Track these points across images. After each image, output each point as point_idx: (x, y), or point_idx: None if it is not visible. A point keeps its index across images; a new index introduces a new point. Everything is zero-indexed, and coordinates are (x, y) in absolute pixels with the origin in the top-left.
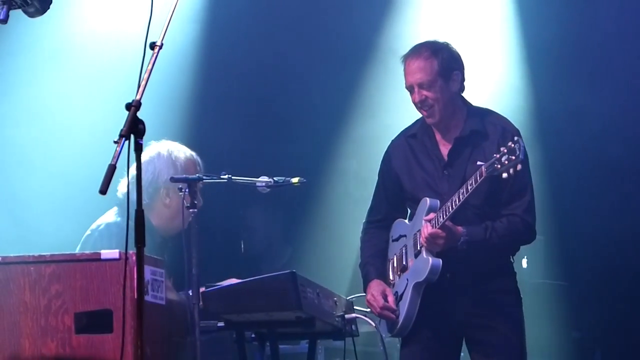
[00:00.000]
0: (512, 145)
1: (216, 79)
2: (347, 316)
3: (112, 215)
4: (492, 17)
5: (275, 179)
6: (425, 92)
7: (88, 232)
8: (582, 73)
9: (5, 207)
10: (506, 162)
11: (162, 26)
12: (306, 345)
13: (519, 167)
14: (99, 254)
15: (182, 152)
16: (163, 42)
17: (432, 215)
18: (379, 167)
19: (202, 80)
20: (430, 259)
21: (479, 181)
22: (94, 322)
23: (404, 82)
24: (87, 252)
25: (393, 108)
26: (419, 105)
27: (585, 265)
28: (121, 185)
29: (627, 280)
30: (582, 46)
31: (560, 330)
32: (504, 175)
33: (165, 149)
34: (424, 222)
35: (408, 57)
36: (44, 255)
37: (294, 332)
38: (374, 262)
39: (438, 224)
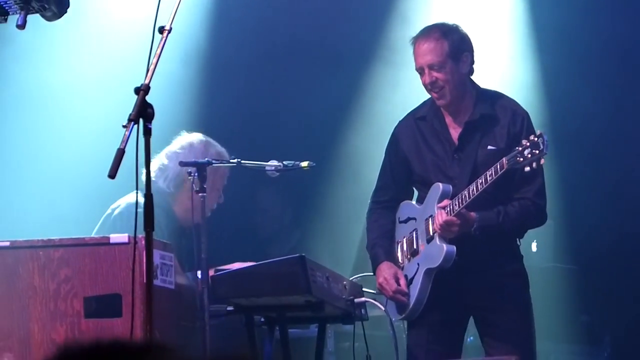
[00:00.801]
0: (536, 139)
1: (225, 62)
2: (356, 300)
3: (134, 196)
4: (501, 10)
5: (284, 162)
6: (435, 74)
7: (109, 210)
8: (593, 63)
9: (23, 191)
10: (529, 155)
11: (171, 10)
12: (315, 329)
13: (542, 161)
14: (108, 238)
15: (214, 146)
16: (172, 26)
17: (446, 202)
18: (386, 147)
19: (211, 65)
20: (444, 245)
21: (499, 173)
22: (103, 306)
23: (413, 64)
24: (105, 230)
25: (401, 88)
26: (430, 87)
27: (595, 249)
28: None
29: (637, 264)
30: (593, 36)
31: (570, 314)
32: (527, 168)
33: (198, 141)
34: (437, 209)
35: (418, 39)
36: (52, 240)
37: (303, 316)
38: (383, 243)
39: (453, 212)
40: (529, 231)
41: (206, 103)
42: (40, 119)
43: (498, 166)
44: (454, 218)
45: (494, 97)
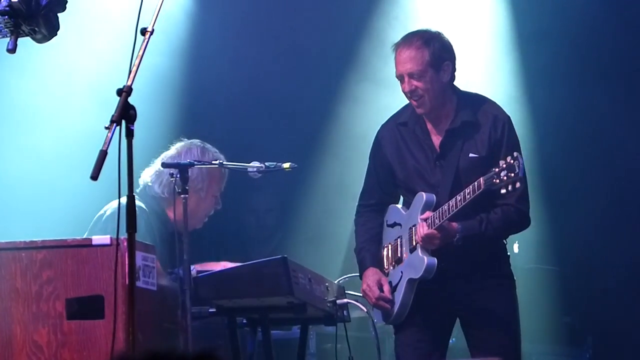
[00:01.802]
0: (512, 161)
1: (208, 64)
2: (338, 301)
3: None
4: (483, 8)
5: (266, 164)
6: (415, 82)
7: (101, 212)
8: (575, 63)
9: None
10: (505, 178)
11: (153, 12)
12: (298, 330)
13: (517, 184)
14: (90, 239)
15: (211, 151)
16: (154, 27)
17: (427, 214)
18: (370, 152)
19: (194, 66)
20: (425, 258)
21: (477, 192)
22: (86, 308)
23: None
24: (97, 231)
25: (385, 92)
26: (409, 95)
27: (577, 251)
28: (144, 174)
29: (619, 266)
30: (574, 34)
31: (552, 315)
32: (502, 190)
33: (195, 146)
34: (419, 220)
35: (399, 46)
36: (35, 241)
37: (285, 317)
38: (369, 247)
39: (434, 225)
40: None
41: (189, 105)
42: (23, 121)
43: (475, 185)
44: (435, 232)
45: (476, 102)
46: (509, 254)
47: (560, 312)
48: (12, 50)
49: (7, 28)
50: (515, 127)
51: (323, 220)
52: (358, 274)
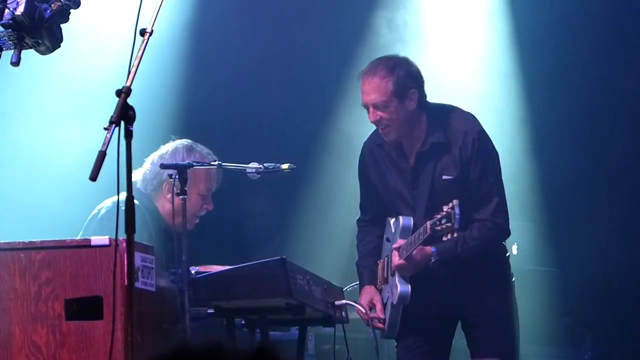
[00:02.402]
0: (450, 210)
1: (207, 64)
2: (337, 303)
3: (122, 196)
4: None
5: (265, 165)
6: (380, 113)
7: (95, 211)
8: (574, 62)
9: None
10: (444, 226)
11: (152, 12)
12: (296, 332)
13: (455, 234)
14: (89, 240)
15: (198, 150)
16: (153, 28)
17: (400, 242)
18: (357, 168)
19: (193, 67)
20: (399, 286)
21: (425, 236)
22: (84, 308)
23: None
24: (91, 230)
25: None
26: (375, 124)
27: (575, 252)
28: (135, 173)
29: (617, 267)
30: (574, 32)
31: (551, 316)
32: (444, 238)
33: (182, 145)
34: (393, 249)
35: (364, 75)
36: (33, 242)
37: (284, 318)
38: (366, 264)
39: (403, 255)
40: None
41: (187, 106)
42: (22, 120)
43: (422, 230)
44: (404, 262)
45: (446, 119)
46: (508, 254)
47: (560, 313)
48: (15, 63)
49: (10, 41)
50: (513, 128)
51: (323, 223)
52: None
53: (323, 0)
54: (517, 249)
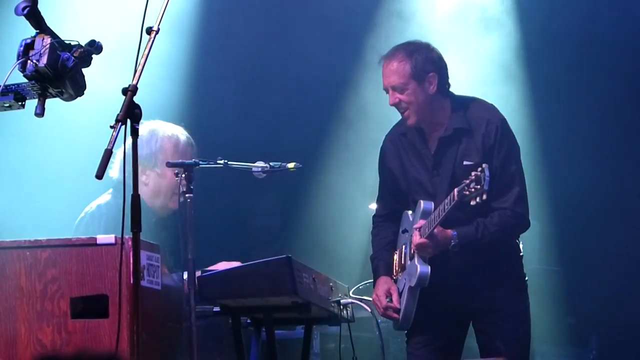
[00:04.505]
0: (479, 173)
1: (213, 62)
2: (342, 301)
3: (105, 197)
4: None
5: (271, 164)
6: (398, 95)
7: (82, 214)
8: (582, 64)
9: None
10: (472, 189)
11: (159, 11)
12: (302, 330)
13: (484, 196)
14: (95, 238)
15: (164, 130)
16: (159, 27)
17: (421, 222)
18: (378, 162)
19: (199, 65)
20: (419, 266)
21: (451, 204)
22: (90, 307)
23: None
24: (80, 234)
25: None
26: (395, 107)
27: (580, 251)
28: (112, 170)
29: (622, 266)
30: (580, 30)
31: (556, 316)
32: (472, 202)
33: (147, 129)
34: (414, 229)
35: (385, 59)
36: (39, 240)
37: (289, 317)
38: (383, 256)
39: (425, 234)
40: None
41: (194, 104)
42: (26, 121)
43: (450, 197)
44: (426, 240)
45: (469, 107)
46: (522, 254)
47: (565, 313)
48: (40, 114)
49: (34, 91)
50: (520, 126)
51: (329, 221)
52: (373, 281)
53: None
54: (522, 248)
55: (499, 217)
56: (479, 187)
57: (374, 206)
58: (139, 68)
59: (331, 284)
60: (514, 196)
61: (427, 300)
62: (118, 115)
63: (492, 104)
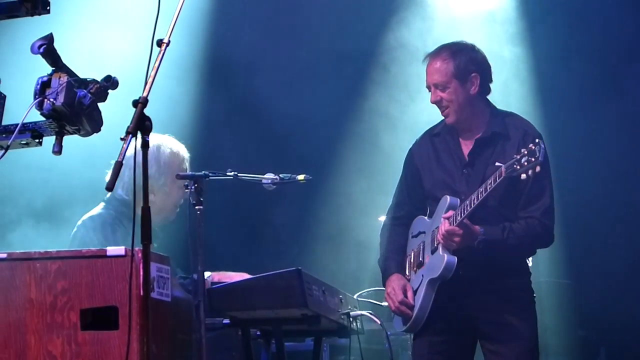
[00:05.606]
0: (533, 147)
1: (222, 76)
2: (352, 314)
3: (96, 210)
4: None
5: (281, 175)
6: (440, 93)
7: (74, 229)
8: (582, 68)
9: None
10: (525, 163)
11: (169, 23)
12: (311, 342)
13: (537, 168)
14: (105, 250)
15: (169, 147)
16: (170, 39)
17: (450, 212)
18: (403, 163)
19: (208, 78)
20: (445, 255)
21: (498, 181)
22: (100, 318)
23: (410, 79)
24: (75, 247)
25: (397, 105)
26: (436, 105)
27: (590, 264)
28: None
29: (632, 279)
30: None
31: (566, 328)
32: (523, 176)
33: (154, 144)
34: (442, 219)
35: (430, 57)
36: (49, 252)
37: (299, 329)
38: (395, 257)
39: (456, 222)
40: None
41: (202, 116)
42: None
43: (497, 174)
44: (456, 228)
45: (508, 117)
46: (530, 273)
47: (574, 325)
48: (58, 152)
49: (51, 129)
50: None
51: (339, 234)
52: (381, 287)
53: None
54: (532, 261)
55: (526, 224)
56: (532, 159)
57: (382, 218)
58: (150, 80)
59: (341, 296)
60: (543, 207)
61: (436, 310)
62: (128, 127)
63: (529, 120)
